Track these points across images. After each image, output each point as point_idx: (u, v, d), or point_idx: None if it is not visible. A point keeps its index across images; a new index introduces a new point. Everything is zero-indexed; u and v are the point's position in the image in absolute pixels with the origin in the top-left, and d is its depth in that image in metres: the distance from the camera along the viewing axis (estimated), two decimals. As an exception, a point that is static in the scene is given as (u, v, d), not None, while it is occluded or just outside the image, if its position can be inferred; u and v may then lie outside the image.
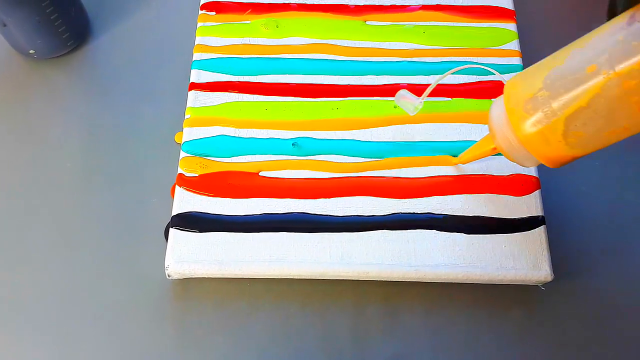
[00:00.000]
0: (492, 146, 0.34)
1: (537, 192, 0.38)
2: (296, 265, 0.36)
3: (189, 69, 0.42)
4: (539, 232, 0.37)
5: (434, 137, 0.40)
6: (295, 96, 0.41)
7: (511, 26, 0.44)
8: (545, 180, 0.40)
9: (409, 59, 0.43)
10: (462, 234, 0.37)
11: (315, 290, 0.38)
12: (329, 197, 0.38)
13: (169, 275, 0.36)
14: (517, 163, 0.33)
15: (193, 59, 0.42)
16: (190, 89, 0.41)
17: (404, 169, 0.39)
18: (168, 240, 0.36)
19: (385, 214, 0.37)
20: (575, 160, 0.31)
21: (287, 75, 0.42)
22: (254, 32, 0.44)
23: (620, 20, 0.27)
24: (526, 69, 0.31)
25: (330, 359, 0.36)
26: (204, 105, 0.41)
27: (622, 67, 0.26)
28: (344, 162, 0.39)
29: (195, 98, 0.41)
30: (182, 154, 0.39)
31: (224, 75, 0.42)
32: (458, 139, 0.40)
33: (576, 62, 0.28)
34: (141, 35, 0.46)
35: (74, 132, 0.42)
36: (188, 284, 0.38)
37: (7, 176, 0.41)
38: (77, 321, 0.37)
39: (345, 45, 0.43)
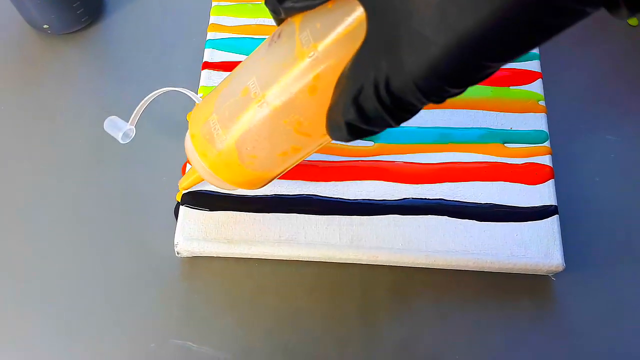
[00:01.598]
0: (197, 173, 0.33)
1: (550, 182, 0.38)
2: (305, 247, 0.36)
3: (203, 48, 0.42)
4: (552, 221, 0.36)
5: (448, 123, 0.40)
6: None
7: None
8: (559, 170, 0.39)
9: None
10: (474, 221, 0.36)
11: (324, 274, 0.37)
12: (341, 180, 0.38)
13: (178, 253, 0.36)
14: (220, 187, 0.32)
15: (207, 38, 0.42)
16: (203, 68, 0.41)
17: (416, 154, 0.38)
18: (178, 218, 0.36)
19: (397, 198, 0.37)
20: (275, 179, 0.31)
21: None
22: (268, 12, 0.43)
23: (268, 38, 0.27)
24: (208, 94, 0.30)
25: (338, 343, 0.36)
26: (216, 84, 0.40)
27: (267, 88, 0.26)
28: (356, 146, 0.39)
29: (208, 77, 0.41)
30: (194, 133, 0.39)
31: (238, 55, 0.41)
32: (472, 126, 0.39)
33: (235, 84, 0.27)
34: (155, 12, 0.46)
35: (86, 109, 0.42)
36: (196, 262, 0.37)
37: (20, 152, 0.41)
38: (84, 297, 0.37)
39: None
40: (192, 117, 0.30)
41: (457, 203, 0.37)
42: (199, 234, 0.36)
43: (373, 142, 0.39)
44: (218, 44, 0.42)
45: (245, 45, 0.42)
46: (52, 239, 0.38)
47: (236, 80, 0.28)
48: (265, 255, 0.36)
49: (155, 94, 0.35)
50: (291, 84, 0.25)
